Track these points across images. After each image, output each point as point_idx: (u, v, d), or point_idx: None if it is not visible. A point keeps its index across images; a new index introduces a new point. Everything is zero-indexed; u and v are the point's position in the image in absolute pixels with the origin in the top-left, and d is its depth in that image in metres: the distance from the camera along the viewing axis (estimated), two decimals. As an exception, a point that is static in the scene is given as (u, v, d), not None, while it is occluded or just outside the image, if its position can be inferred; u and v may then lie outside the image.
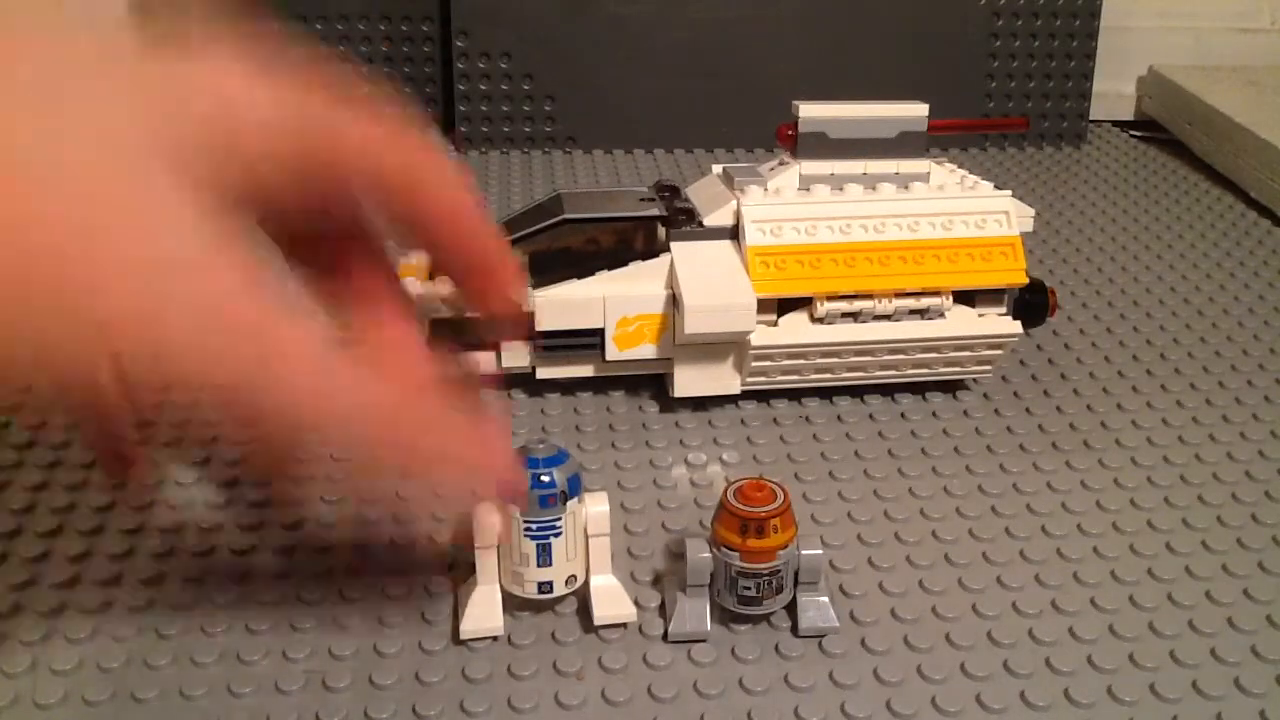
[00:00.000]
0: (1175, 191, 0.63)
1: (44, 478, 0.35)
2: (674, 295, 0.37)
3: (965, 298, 0.39)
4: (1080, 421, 0.39)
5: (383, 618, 0.29)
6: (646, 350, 0.38)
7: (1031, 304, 0.40)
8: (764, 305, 0.37)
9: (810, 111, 0.39)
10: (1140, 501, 0.35)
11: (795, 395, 0.40)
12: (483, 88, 0.65)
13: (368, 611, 0.30)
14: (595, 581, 0.29)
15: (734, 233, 0.38)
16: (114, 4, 0.25)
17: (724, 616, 0.29)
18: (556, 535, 0.28)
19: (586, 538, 0.28)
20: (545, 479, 0.27)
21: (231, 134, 0.23)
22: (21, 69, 0.20)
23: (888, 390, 0.40)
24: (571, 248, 0.40)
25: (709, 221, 0.38)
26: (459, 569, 0.31)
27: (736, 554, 0.28)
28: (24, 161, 0.20)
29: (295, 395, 0.22)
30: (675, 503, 0.34)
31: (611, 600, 0.29)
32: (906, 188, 0.39)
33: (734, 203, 0.38)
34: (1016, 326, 0.39)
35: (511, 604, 0.29)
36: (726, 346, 0.38)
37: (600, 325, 0.38)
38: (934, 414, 0.39)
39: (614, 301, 0.37)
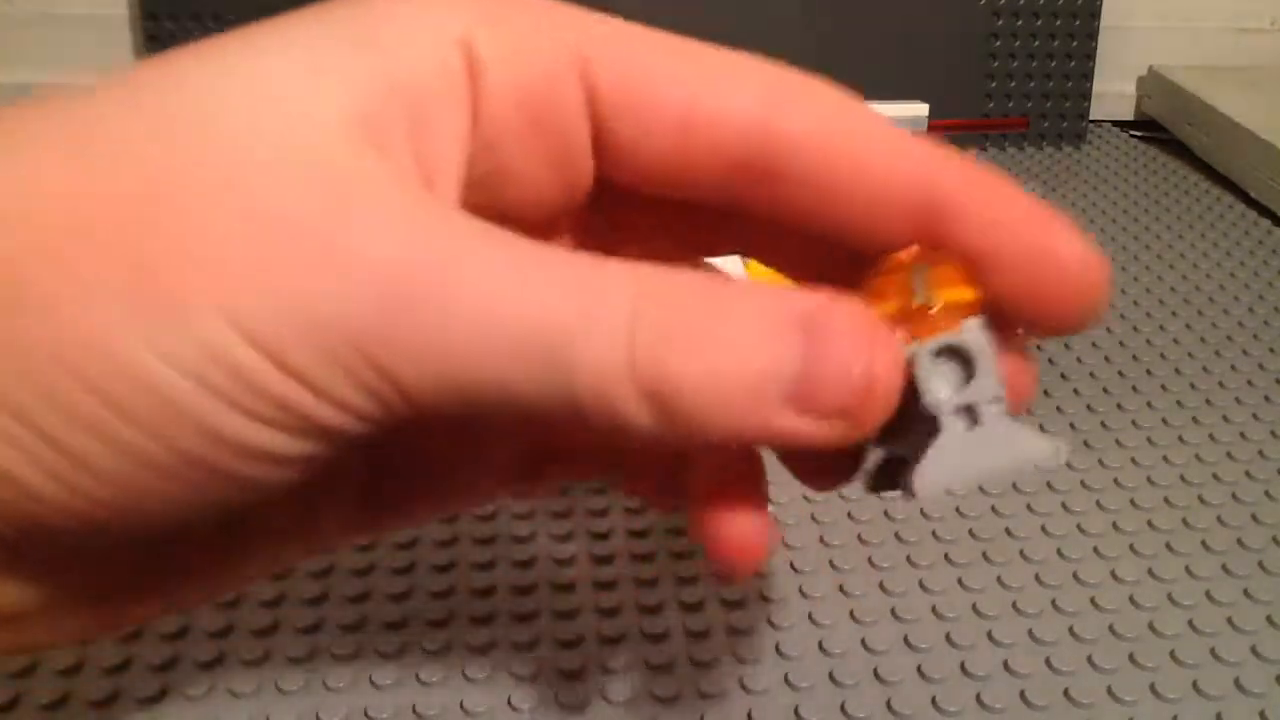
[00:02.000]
0: (1175, 191, 0.63)
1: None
2: (674, 295, 0.37)
3: (965, 298, 0.39)
4: (1080, 421, 0.39)
5: (383, 618, 0.29)
6: (646, 350, 0.38)
7: (1031, 304, 0.40)
8: (764, 305, 0.37)
9: (810, 111, 0.38)
10: (1140, 501, 0.35)
11: (795, 395, 0.40)
12: (483, 88, 0.65)
13: (367, 611, 0.30)
14: None
15: (734, 233, 0.38)
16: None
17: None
18: None
19: None
20: None
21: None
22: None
23: (888, 390, 0.40)
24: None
25: (709, 221, 0.38)
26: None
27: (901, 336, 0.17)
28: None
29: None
30: (675, 503, 0.34)
31: None
32: (906, 188, 0.39)
33: (734, 203, 0.38)
34: (1016, 326, 0.39)
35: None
36: (726, 346, 0.38)
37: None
38: (934, 414, 0.39)
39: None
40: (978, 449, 0.17)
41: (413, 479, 0.22)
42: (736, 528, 0.19)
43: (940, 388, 0.17)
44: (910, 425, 0.17)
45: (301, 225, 0.14)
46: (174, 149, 0.15)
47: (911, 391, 0.17)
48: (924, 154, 0.18)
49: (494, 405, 0.15)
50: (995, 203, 0.17)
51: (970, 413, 0.17)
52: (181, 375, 0.14)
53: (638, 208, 0.20)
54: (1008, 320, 0.18)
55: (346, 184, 0.15)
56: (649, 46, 0.18)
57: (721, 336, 0.15)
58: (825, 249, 0.19)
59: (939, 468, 0.17)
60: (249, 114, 0.15)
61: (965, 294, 0.17)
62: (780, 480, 0.36)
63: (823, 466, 0.20)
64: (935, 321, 0.17)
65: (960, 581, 0.31)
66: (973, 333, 0.17)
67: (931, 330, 0.17)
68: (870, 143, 0.18)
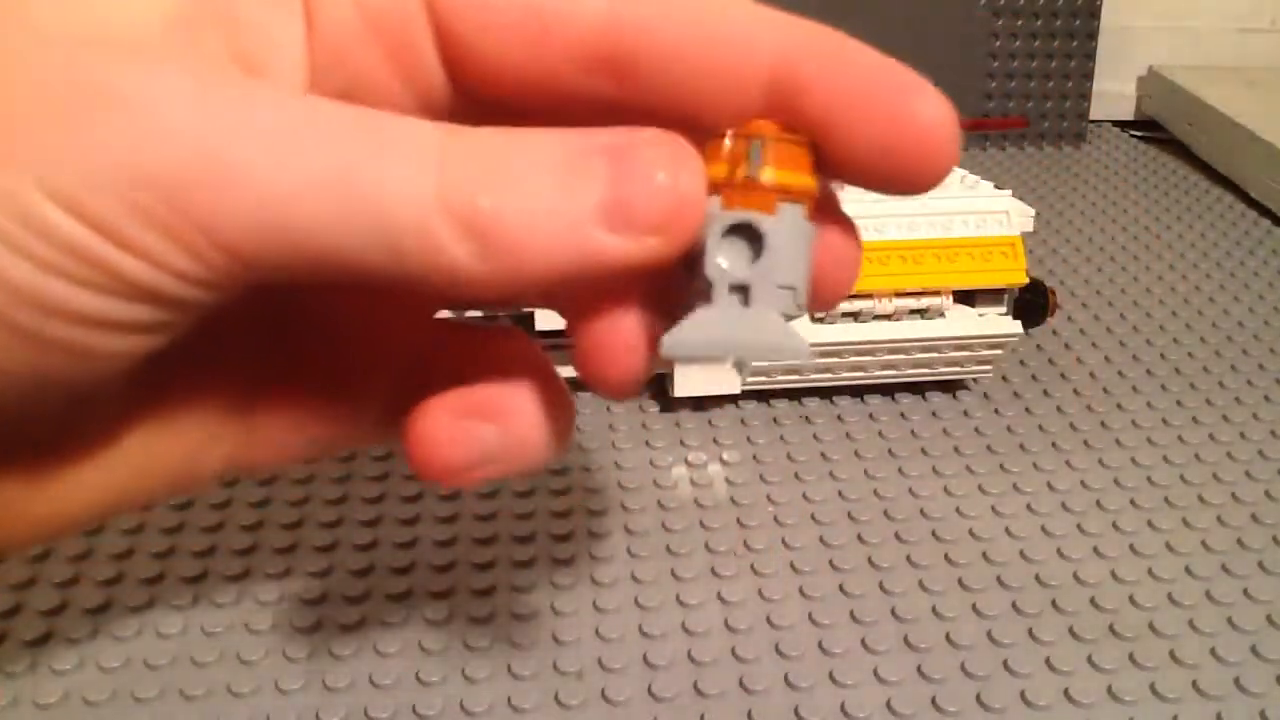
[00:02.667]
0: (1175, 191, 0.63)
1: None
2: (674, 295, 0.37)
3: (965, 297, 0.39)
4: (1080, 421, 0.39)
5: (383, 618, 0.29)
6: (646, 350, 0.38)
7: (1031, 304, 0.40)
8: (764, 305, 0.37)
9: (810, 111, 0.38)
10: (1140, 501, 0.35)
11: (795, 395, 0.40)
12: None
13: (368, 611, 0.30)
14: None
15: (734, 232, 0.38)
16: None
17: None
18: None
19: None
20: None
21: None
22: None
23: (888, 390, 0.40)
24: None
25: (709, 221, 0.38)
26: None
27: (718, 200, 0.17)
28: None
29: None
30: (675, 503, 0.34)
31: None
32: (906, 187, 0.39)
33: (734, 202, 0.38)
34: (1016, 326, 0.39)
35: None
36: (726, 346, 0.38)
37: (600, 325, 0.38)
38: (934, 414, 0.39)
39: (614, 301, 0.37)
40: (736, 326, 0.17)
41: (293, 390, 0.21)
42: (434, 426, 0.19)
43: (725, 259, 0.17)
44: (694, 289, 0.17)
45: (109, 95, 0.15)
46: None
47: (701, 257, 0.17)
48: (775, 26, 0.18)
49: (320, 255, 0.16)
50: (845, 67, 0.18)
51: (745, 292, 0.17)
52: None
53: (505, 120, 0.19)
54: (856, 180, 0.18)
55: (154, 62, 0.16)
56: None
57: (531, 166, 0.16)
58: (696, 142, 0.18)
59: (693, 333, 0.17)
60: (61, 6, 0.16)
61: (797, 179, 0.17)
62: (780, 479, 0.36)
63: (622, 360, 0.19)
64: (754, 198, 0.17)
65: (960, 581, 0.31)
66: (781, 219, 0.17)
67: (746, 204, 0.17)
68: (718, 20, 0.18)
